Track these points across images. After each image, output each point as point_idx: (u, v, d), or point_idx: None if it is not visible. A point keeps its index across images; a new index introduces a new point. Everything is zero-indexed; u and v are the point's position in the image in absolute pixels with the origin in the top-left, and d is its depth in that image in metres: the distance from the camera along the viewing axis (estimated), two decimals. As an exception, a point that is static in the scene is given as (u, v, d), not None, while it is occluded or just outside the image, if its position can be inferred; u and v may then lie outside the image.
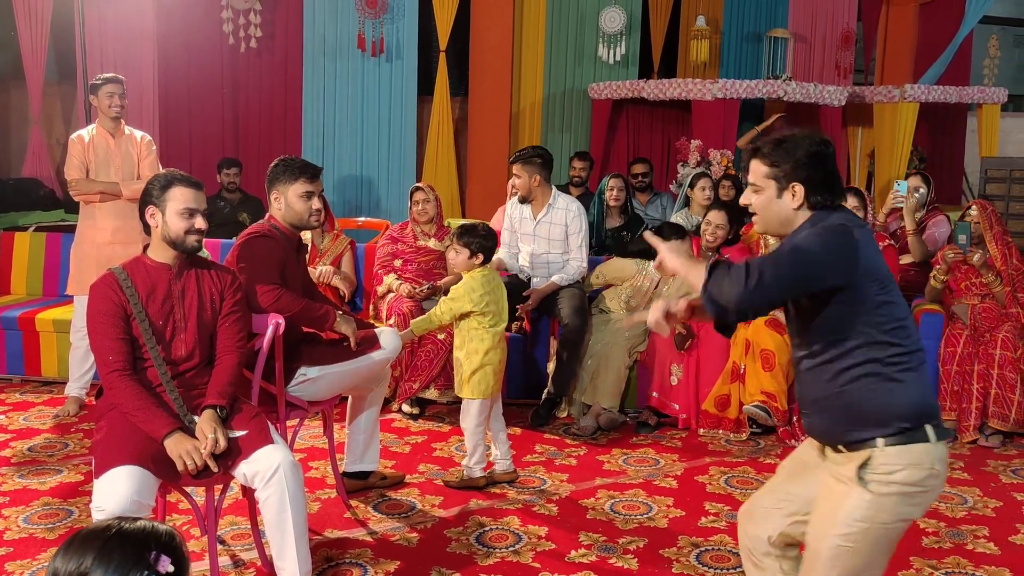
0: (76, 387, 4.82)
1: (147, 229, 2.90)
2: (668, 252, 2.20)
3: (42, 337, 5.23)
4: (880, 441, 2.06)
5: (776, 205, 2.19)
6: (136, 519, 1.47)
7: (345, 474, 3.77)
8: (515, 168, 4.73)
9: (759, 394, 4.53)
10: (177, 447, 2.66)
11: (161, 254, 2.89)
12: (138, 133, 4.87)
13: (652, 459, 4.31)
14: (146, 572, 1.38)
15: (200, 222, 2.85)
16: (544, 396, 4.78)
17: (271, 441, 2.77)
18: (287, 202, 3.35)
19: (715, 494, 3.90)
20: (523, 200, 4.75)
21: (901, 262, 5.00)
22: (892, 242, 4.78)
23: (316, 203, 3.39)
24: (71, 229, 5.06)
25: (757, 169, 2.20)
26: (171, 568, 1.41)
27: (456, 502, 3.74)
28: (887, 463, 2.05)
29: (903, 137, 7.70)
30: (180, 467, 2.66)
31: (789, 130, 2.25)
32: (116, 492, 2.48)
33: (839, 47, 8.89)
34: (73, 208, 6.03)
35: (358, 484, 3.77)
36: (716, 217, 4.81)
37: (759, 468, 4.21)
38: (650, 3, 8.32)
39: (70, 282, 4.85)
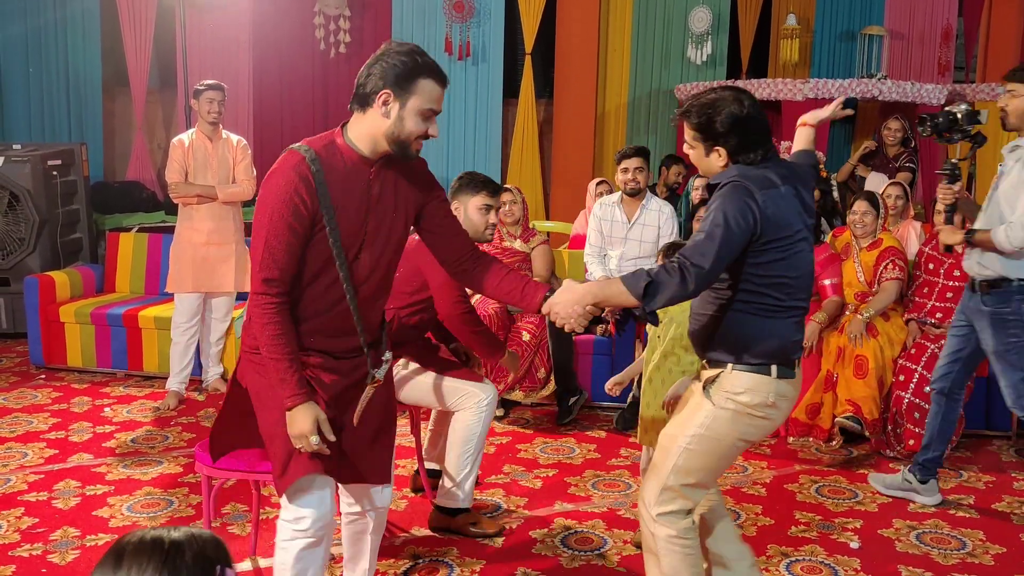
0: (176, 382, 5.01)
1: (362, 105, 2.31)
2: (582, 293, 2.42)
3: (144, 334, 5.45)
4: (729, 366, 2.40)
5: (706, 162, 2.50)
6: (178, 528, 1.30)
7: (431, 472, 3.81)
8: (637, 161, 4.80)
9: (848, 404, 4.39)
10: (299, 423, 2.27)
11: (367, 145, 2.33)
12: (234, 137, 5.03)
13: (740, 466, 4.23)
14: None
15: (434, 130, 2.34)
16: (629, 400, 4.75)
17: None
18: (466, 213, 3.40)
19: (806, 503, 3.81)
20: (633, 192, 4.77)
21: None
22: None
23: (492, 217, 3.45)
24: (171, 230, 5.26)
25: (687, 131, 2.48)
26: None
27: (542, 504, 3.75)
28: (732, 384, 2.39)
29: (1007, 137, 7.35)
30: (296, 446, 2.31)
31: (712, 92, 2.45)
32: (323, 502, 2.37)
33: (939, 44, 8.55)
34: (173, 210, 6.26)
35: (444, 483, 3.80)
36: (862, 206, 4.73)
37: (851, 478, 4.09)
38: (739, 2, 8.17)
39: (169, 280, 5.04)
